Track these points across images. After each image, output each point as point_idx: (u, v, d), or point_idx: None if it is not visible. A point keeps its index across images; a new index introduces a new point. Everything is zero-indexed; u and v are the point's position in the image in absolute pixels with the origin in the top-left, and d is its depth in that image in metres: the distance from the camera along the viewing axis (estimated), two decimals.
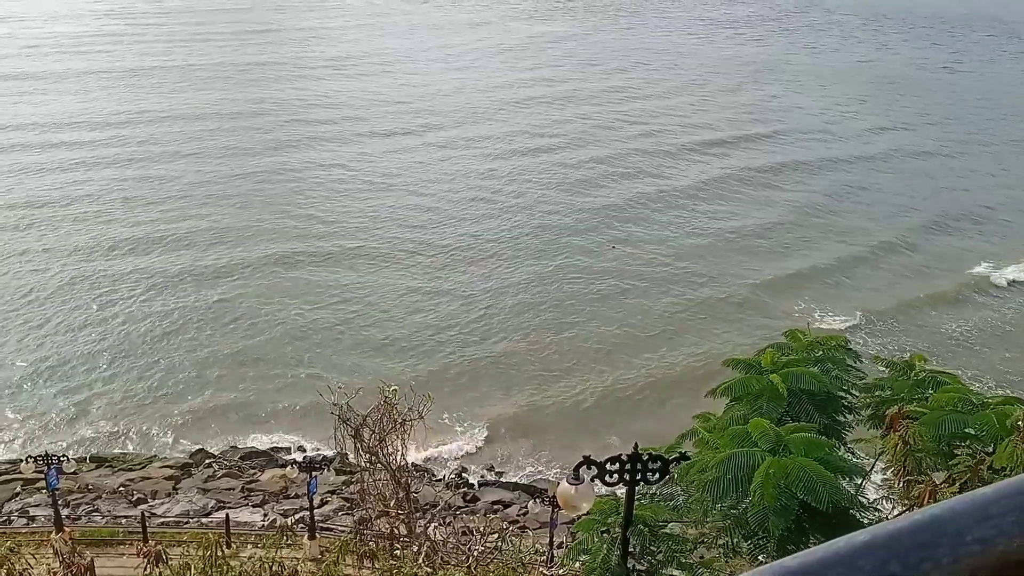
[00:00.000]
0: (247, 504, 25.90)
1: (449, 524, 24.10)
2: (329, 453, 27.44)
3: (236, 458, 28.66)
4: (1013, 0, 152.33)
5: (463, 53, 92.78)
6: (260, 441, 29.47)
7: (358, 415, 17.86)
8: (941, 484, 12.30)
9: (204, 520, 24.22)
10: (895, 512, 13.46)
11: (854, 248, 45.17)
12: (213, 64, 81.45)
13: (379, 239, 43.49)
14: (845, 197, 53.16)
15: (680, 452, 13.50)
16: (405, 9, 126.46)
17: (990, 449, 13.07)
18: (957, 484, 11.76)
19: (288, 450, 28.93)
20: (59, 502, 22.18)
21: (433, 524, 23.64)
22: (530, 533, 24.51)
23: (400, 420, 18.08)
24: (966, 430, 13.40)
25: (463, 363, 32.94)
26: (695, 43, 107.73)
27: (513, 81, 79.63)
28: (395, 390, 17.91)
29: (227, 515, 23.59)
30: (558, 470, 27.84)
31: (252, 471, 27.88)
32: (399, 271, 39.90)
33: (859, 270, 42.78)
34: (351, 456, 21.78)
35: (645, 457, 12.66)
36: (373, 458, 18.31)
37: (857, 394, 14.95)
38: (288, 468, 25.74)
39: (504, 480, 28.80)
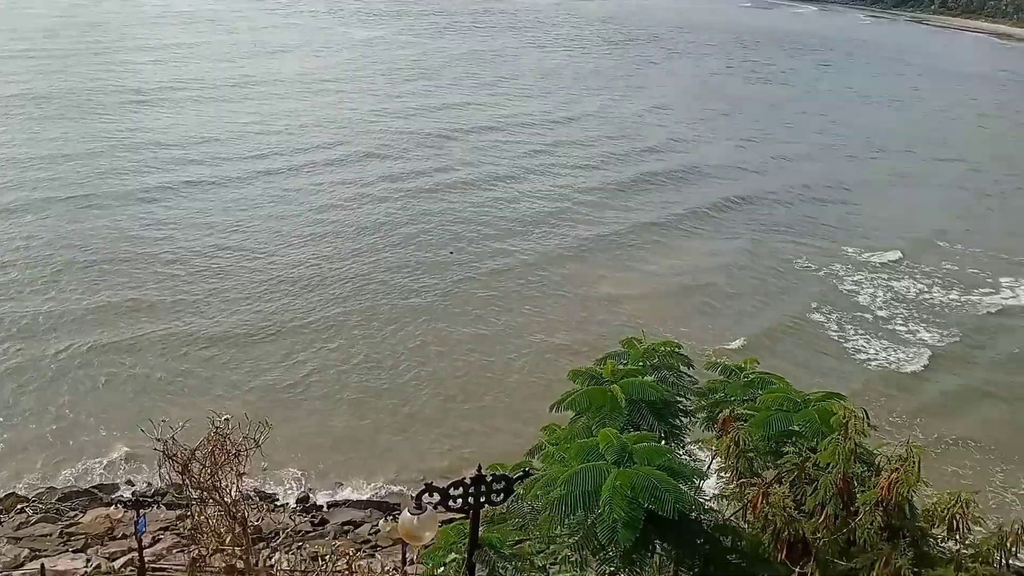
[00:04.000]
0: (67, 550, 23.59)
1: (296, 551, 23.10)
2: (160, 485, 25.52)
3: (54, 500, 26.09)
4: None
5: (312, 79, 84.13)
6: (82, 479, 26.98)
7: (186, 449, 16.59)
8: (771, 483, 12.80)
9: (15, 574, 21.87)
10: (730, 512, 13.91)
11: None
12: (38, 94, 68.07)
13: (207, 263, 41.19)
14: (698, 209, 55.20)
15: (524, 469, 13.37)
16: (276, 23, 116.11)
17: (814, 444, 13.71)
18: (786, 483, 12.26)
19: (114, 487, 26.66)
20: None
21: (277, 554, 22.54)
22: (378, 555, 23.84)
23: (235, 451, 16.96)
24: (792, 428, 13.99)
25: (300, 382, 31.70)
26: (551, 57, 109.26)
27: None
28: (227, 419, 16.76)
29: (42, 564, 21.43)
30: (410, 482, 27.34)
31: (72, 513, 25.46)
32: (228, 294, 37.38)
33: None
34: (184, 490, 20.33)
35: (489, 478, 12.42)
36: (205, 494, 17.08)
37: (693, 399, 15.39)
38: (113, 507, 23.71)
39: (354, 499, 27.92)
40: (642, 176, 60.21)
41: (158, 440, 16.18)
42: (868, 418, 11.76)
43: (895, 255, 49.76)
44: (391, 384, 32.19)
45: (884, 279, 46.04)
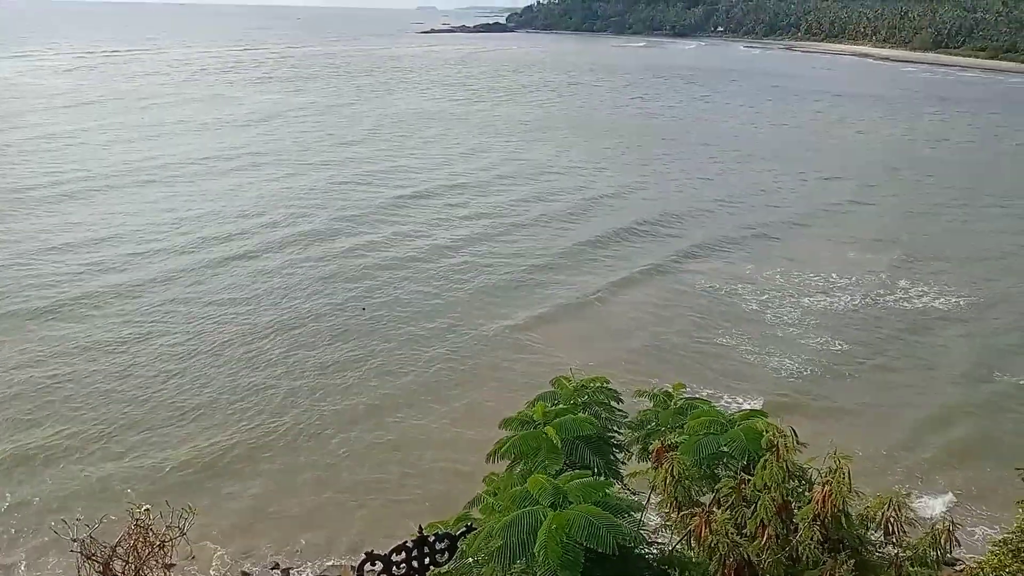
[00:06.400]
0: None
1: None
2: None
3: None
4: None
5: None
6: None
7: (106, 546, 15.63)
8: (710, 508, 12.91)
9: None
10: (675, 542, 13.95)
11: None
12: None
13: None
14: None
15: (467, 524, 13.14)
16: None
17: (744, 463, 13.92)
18: (725, 507, 12.38)
19: None
20: None
21: None
22: None
23: (159, 543, 16.07)
24: (721, 449, 14.19)
25: (219, 466, 30.17)
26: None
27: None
28: (147, 509, 15.90)
29: None
30: (348, 551, 26.41)
31: None
32: (146, 415, 33.53)
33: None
34: None
35: (431, 538, 12.16)
36: None
37: (626, 432, 15.47)
38: None
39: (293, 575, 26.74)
40: (594, 235, 60.11)
41: (74, 540, 15.20)
42: (796, 436, 12.03)
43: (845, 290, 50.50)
44: (317, 459, 31.11)
45: (830, 304, 47.56)
